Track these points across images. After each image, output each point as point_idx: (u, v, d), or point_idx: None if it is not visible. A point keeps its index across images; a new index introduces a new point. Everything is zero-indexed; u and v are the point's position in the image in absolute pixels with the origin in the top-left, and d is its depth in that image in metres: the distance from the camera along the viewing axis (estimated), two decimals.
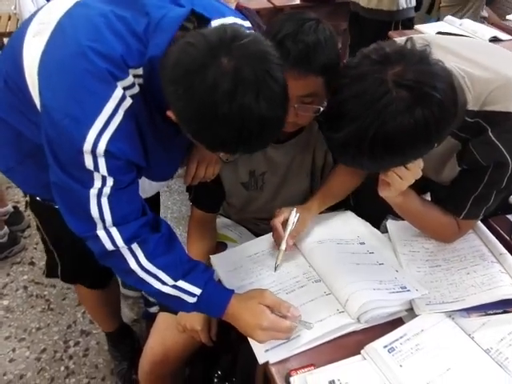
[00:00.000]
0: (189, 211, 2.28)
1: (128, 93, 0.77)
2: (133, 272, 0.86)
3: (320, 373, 0.83)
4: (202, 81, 0.67)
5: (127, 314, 1.82)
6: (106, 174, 0.78)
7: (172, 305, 0.95)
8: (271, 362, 0.86)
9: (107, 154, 0.76)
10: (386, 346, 0.87)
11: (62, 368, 1.65)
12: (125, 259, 0.85)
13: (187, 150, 1.07)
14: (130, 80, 0.77)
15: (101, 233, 0.83)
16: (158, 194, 1.48)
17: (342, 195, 1.20)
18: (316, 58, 0.91)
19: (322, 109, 1.00)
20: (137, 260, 0.85)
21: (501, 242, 1.08)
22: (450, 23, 2.39)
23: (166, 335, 1.11)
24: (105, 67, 0.74)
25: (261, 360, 0.87)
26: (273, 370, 0.86)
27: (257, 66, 0.69)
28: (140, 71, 0.78)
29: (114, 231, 0.83)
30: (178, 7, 0.81)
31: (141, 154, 0.84)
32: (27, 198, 1.14)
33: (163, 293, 0.88)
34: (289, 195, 1.23)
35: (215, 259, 1.10)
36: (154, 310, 1.73)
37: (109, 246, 0.83)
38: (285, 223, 1.06)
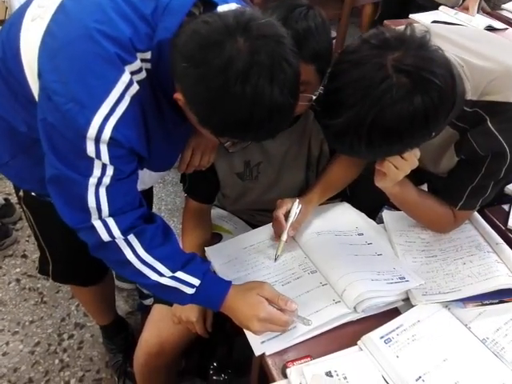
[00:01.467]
0: (183, 203, 2.27)
1: (135, 78, 0.75)
2: (129, 263, 0.84)
3: (317, 364, 0.83)
4: (216, 56, 0.66)
5: (122, 306, 1.81)
6: (107, 162, 0.76)
7: (169, 297, 0.94)
8: (267, 353, 0.86)
9: (111, 141, 0.74)
10: (382, 337, 0.87)
11: (57, 361, 1.64)
12: (121, 250, 0.83)
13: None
14: (137, 64, 0.75)
15: (97, 223, 0.81)
16: (151, 186, 1.46)
17: (342, 186, 1.19)
18: (306, 45, 0.89)
19: (314, 97, 0.98)
20: (134, 251, 0.84)
21: (497, 232, 1.08)
22: (445, 12, 2.37)
23: (160, 327, 1.10)
24: (113, 51, 0.72)
25: (257, 352, 0.86)
26: (269, 361, 0.85)
27: (273, 49, 0.67)
28: (148, 55, 0.76)
29: (111, 222, 0.81)
30: None
31: (144, 142, 0.82)
32: (20, 193, 1.11)
33: (161, 284, 0.86)
34: (284, 186, 1.22)
35: (210, 251, 1.09)
36: (148, 302, 1.72)
37: (105, 237, 0.81)
38: (287, 214, 1.05)
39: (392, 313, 0.93)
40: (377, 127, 0.74)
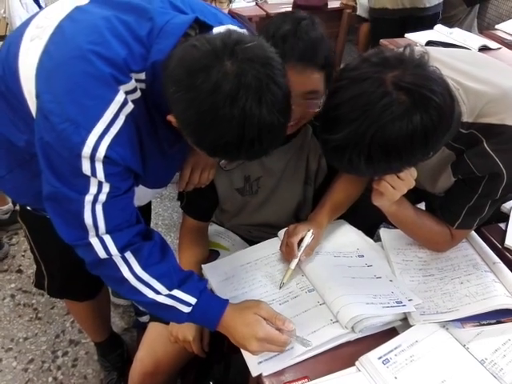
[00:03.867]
0: (180, 218, 2.28)
1: (130, 97, 0.77)
2: (126, 281, 0.84)
3: None
4: (204, 81, 0.67)
5: (117, 322, 1.79)
6: (103, 179, 0.77)
7: (165, 315, 0.93)
8: (265, 374, 0.85)
9: (106, 159, 0.75)
10: (380, 358, 0.86)
11: (50, 379, 1.61)
12: (117, 268, 0.83)
13: (185, 158, 1.06)
14: (132, 84, 0.77)
15: (94, 240, 0.81)
16: (149, 202, 1.46)
17: (349, 204, 1.19)
18: (319, 52, 0.92)
19: (320, 103, 0.97)
20: (130, 268, 0.84)
21: (493, 251, 1.08)
22: (440, 32, 2.41)
23: (156, 346, 1.09)
24: (108, 71, 0.73)
25: (254, 372, 0.85)
26: (266, 382, 0.84)
27: (260, 70, 0.68)
28: (142, 76, 0.77)
29: (108, 239, 0.81)
30: (181, 14, 0.81)
31: (139, 160, 0.83)
32: (17, 207, 1.11)
33: (157, 302, 0.86)
34: (282, 200, 1.23)
35: (207, 268, 1.08)
36: (144, 319, 1.71)
37: (102, 254, 0.82)
38: (299, 242, 1.04)
39: (390, 333, 0.93)
40: (377, 143, 0.74)
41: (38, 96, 0.77)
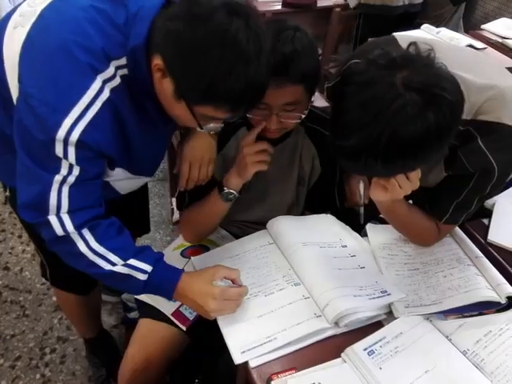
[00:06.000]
0: (169, 215, 2.28)
1: (108, 85, 0.81)
2: (82, 255, 0.87)
3: (301, 376, 0.84)
4: (199, 10, 0.74)
5: (106, 319, 1.78)
6: (73, 162, 0.80)
7: (123, 285, 0.96)
8: (251, 364, 0.86)
9: (79, 143, 0.79)
10: (365, 349, 0.88)
11: (38, 376, 1.60)
12: (74, 243, 0.86)
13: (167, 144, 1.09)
14: (110, 72, 0.80)
15: (52, 218, 0.84)
16: (146, 196, 1.46)
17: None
18: (293, 67, 0.92)
19: (303, 116, 1.02)
20: (87, 243, 0.87)
21: (477, 246, 1.11)
22: (427, 31, 2.44)
23: (147, 342, 1.09)
24: (86, 61, 0.78)
25: (237, 361, 0.86)
26: (254, 374, 0.85)
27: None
28: (123, 61, 0.81)
29: (66, 217, 0.85)
30: None
31: (116, 146, 0.86)
32: (7, 193, 1.10)
33: (114, 272, 0.89)
34: (275, 200, 1.24)
35: (196, 261, 1.09)
36: (133, 315, 1.71)
37: (59, 232, 0.85)
38: None
39: (375, 325, 0.95)
40: (393, 145, 0.74)
41: (20, 81, 0.80)
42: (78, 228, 0.85)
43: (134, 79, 0.83)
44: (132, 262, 0.90)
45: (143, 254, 0.92)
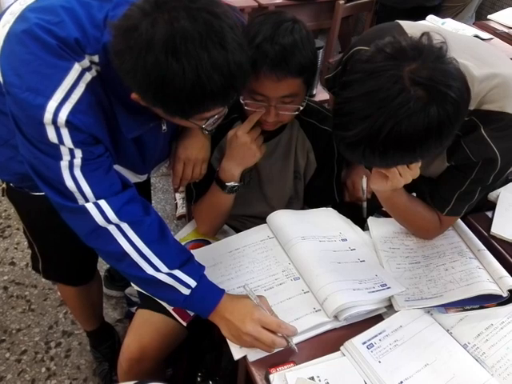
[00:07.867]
0: (173, 210, 2.29)
1: (88, 73, 0.78)
2: (126, 254, 0.84)
3: (299, 369, 0.84)
4: (136, 39, 0.67)
5: (110, 313, 1.80)
6: (71, 146, 0.78)
7: (162, 295, 0.93)
8: (250, 359, 0.86)
9: (69, 125, 0.76)
10: (364, 343, 0.87)
11: (43, 369, 1.62)
12: (116, 240, 0.83)
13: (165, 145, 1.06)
14: (86, 63, 0.78)
15: (89, 205, 0.81)
16: (148, 183, 1.47)
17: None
18: (293, 59, 0.92)
19: (301, 108, 1.02)
20: (130, 242, 0.84)
21: (479, 239, 1.10)
22: (432, 22, 2.41)
23: (142, 332, 1.09)
24: (56, 43, 0.75)
25: (236, 356, 0.86)
26: (253, 368, 0.85)
27: (191, 14, 0.67)
28: (96, 58, 0.79)
29: (103, 203, 0.82)
30: None
31: (105, 131, 0.83)
32: (3, 185, 1.11)
33: (156, 279, 0.86)
34: (274, 193, 1.24)
35: (196, 254, 1.08)
36: None
37: (99, 220, 0.82)
38: None
39: (375, 318, 0.94)
40: (392, 138, 0.73)
41: (2, 73, 0.79)
42: (118, 213, 0.82)
43: (107, 79, 0.80)
44: (177, 272, 0.86)
45: (189, 266, 0.88)
